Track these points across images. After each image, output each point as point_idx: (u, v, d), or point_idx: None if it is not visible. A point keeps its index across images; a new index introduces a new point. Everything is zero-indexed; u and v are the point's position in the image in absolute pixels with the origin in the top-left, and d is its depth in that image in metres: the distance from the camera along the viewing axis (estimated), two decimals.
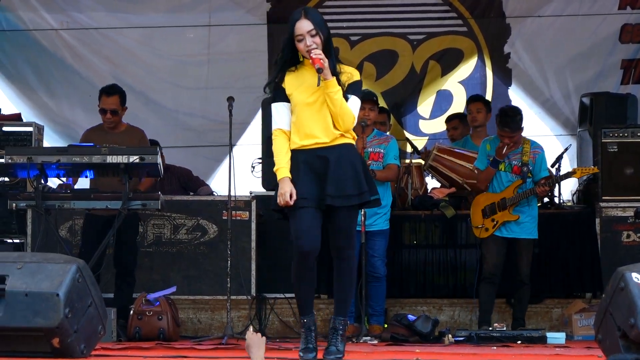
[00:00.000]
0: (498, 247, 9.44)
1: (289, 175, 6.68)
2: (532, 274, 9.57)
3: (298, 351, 6.83)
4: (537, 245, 9.64)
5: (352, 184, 6.68)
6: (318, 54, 6.59)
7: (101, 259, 8.98)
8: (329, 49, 6.70)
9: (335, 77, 6.65)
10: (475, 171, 9.81)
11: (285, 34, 6.77)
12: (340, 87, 6.68)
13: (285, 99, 6.76)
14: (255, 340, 5.94)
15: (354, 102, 6.77)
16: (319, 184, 6.68)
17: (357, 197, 6.70)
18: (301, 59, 6.76)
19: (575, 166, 10.68)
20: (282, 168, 6.70)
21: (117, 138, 9.46)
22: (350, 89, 6.75)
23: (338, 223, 6.74)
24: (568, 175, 9.60)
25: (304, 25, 6.63)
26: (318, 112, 6.70)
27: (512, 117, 9.50)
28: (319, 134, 6.69)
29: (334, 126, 6.70)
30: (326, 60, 6.60)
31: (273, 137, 6.81)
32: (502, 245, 9.45)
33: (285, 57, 6.75)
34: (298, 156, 6.73)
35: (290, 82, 6.75)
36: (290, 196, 6.62)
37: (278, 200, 6.66)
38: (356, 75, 6.82)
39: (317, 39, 6.63)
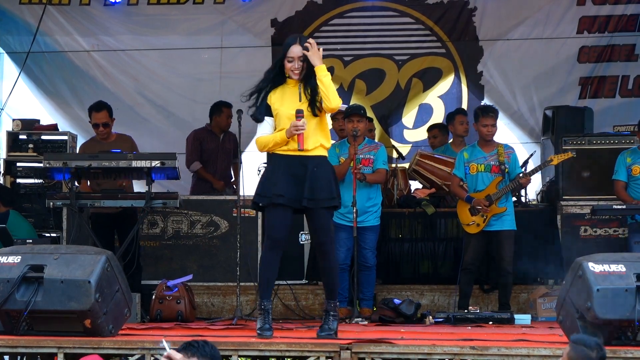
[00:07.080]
0: (480, 241, 9.35)
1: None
2: None
3: (256, 329, 6.89)
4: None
5: (326, 190, 6.81)
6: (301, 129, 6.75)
7: (126, 252, 8.94)
8: (309, 67, 6.83)
9: (324, 65, 6.80)
10: (452, 176, 9.74)
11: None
12: (328, 72, 6.81)
13: (269, 114, 6.90)
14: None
15: None
16: (295, 186, 6.79)
17: (329, 201, 6.83)
18: (287, 76, 6.90)
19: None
20: (279, 132, 6.81)
21: (110, 146, 9.43)
22: None
23: (317, 222, 6.85)
24: (546, 163, 9.56)
25: (297, 50, 6.83)
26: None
27: (489, 107, 9.49)
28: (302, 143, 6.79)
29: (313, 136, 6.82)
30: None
31: (259, 140, 6.91)
32: (484, 239, 9.36)
33: (275, 71, 6.89)
34: (281, 160, 6.84)
35: (276, 99, 6.90)
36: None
37: (297, 131, 6.71)
38: None
39: (304, 64, 6.82)
